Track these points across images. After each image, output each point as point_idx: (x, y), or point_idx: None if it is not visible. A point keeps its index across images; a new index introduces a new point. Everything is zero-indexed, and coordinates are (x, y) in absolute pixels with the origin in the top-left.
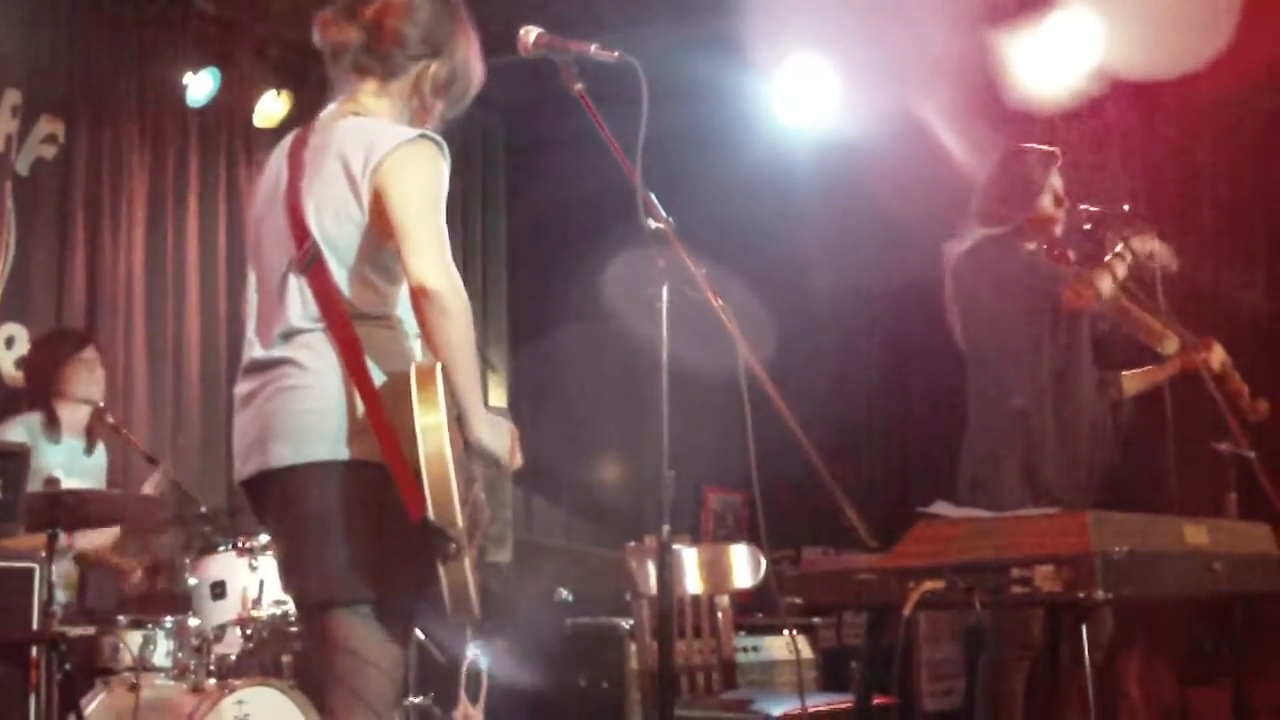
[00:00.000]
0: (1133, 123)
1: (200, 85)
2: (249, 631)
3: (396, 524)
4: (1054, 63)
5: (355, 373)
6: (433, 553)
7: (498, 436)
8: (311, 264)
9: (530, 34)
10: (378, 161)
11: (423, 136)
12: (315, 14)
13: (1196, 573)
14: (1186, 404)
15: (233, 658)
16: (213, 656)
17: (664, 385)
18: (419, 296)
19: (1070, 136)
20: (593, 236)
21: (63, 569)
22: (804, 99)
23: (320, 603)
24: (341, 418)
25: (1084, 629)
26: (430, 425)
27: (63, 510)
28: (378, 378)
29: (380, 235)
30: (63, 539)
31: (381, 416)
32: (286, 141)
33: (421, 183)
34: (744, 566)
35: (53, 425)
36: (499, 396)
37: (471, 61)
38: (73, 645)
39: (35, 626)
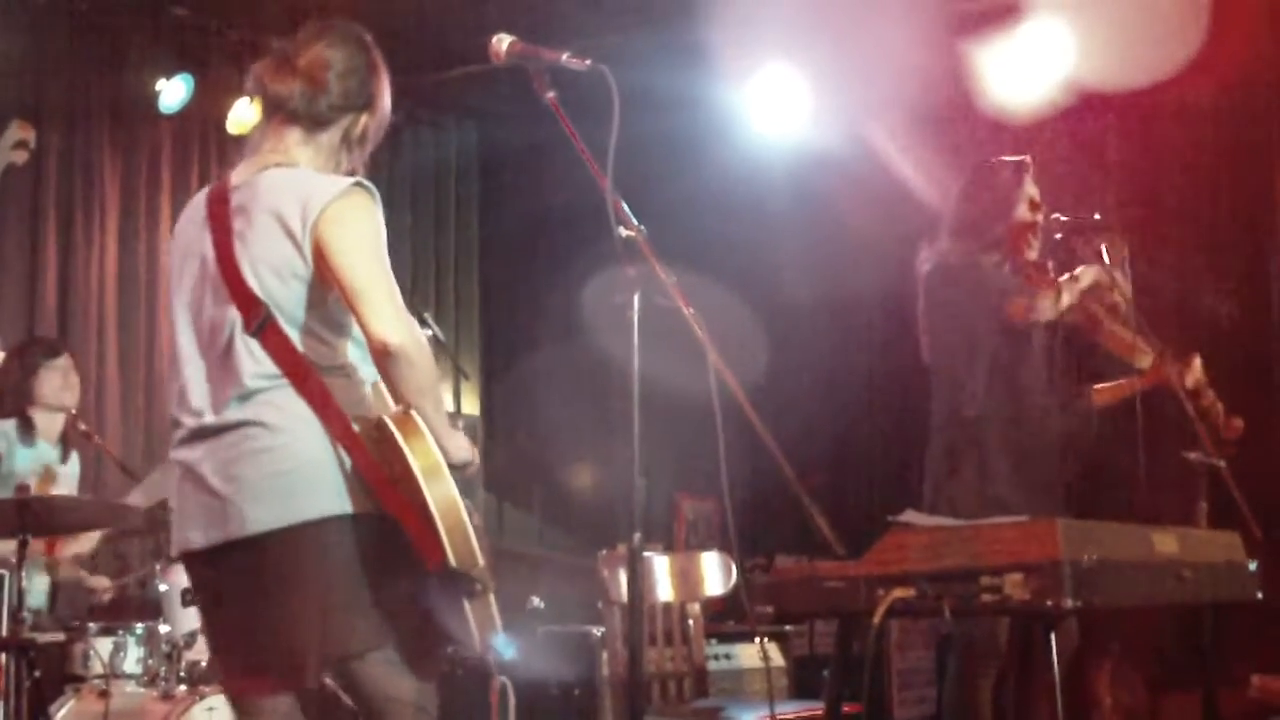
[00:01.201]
0: (1103, 132)
1: (173, 91)
2: None
3: (401, 568)
4: (1025, 73)
5: (335, 424)
6: (456, 594)
7: (465, 447)
8: (264, 326)
9: (503, 42)
10: (317, 215)
11: (357, 185)
12: (251, 66)
13: (1166, 581)
14: (1157, 413)
15: (203, 664)
16: (183, 663)
17: (635, 393)
18: (381, 354)
19: (1041, 146)
20: (565, 245)
21: (37, 583)
22: (776, 108)
23: (345, 656)
24: (326, 471)
25: (1053, 637)
26: (430, 471)
27: (32, 517)
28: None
29: (324, 288)
30: (41, 548)
31: (374, 466)
32: (199, 200)
33: (363, 236)
34: (715, 574)
35: (28, 431)
36: (472, 404)
37: (388, 106)
38: (42, 652)
39: (4, 633)
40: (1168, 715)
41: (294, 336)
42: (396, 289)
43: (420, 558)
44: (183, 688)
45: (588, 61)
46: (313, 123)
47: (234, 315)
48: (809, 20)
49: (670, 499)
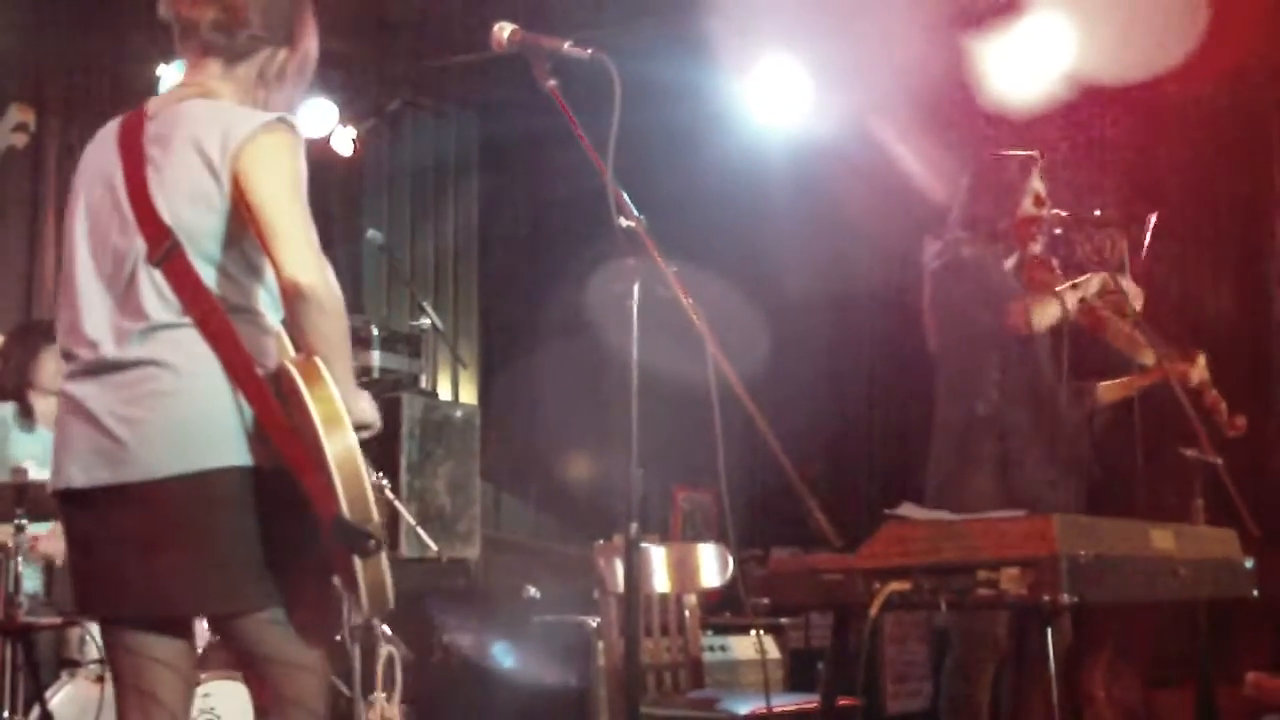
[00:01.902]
0: (1103, 127)
1: (173, 76)
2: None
3: (297, 525)
4: (1025, 66)
5: (241, 370)
6: (348, 550)
7: (368, 409)
8: (169, 256)
9: (504, 30)
10: (237, 147)
11: (280, 120)
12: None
13: (1162, 577)
14: (1154, 410)
15: (199, 650)
16: None
17: (634, 383)
18: (291, 294)
19: (1041, 140)
20: (565, 235)
21: (32, 570)
22: (777, 100)
23: (229, 614)
24: (230, 420)
25: (1049, 632)
26: (331, 419)
27: (29, 501)
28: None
29: (240, 224)
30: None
31: (274, 412)
32: (112, 127)
33: (284, 172)
34: (712, 566)
35: (27, 416)
36: (470, 394)
37: (314, 49)
38: (39, 637)
39: (1, 618)
40: (1163, 712)
41: (203, 271)
42: (314, 231)
43: (315, 511)
44: None
45: (589, 50)
46: (232, 55)
47: (140, 245)
48: (810, 11)
49: (667, 490)
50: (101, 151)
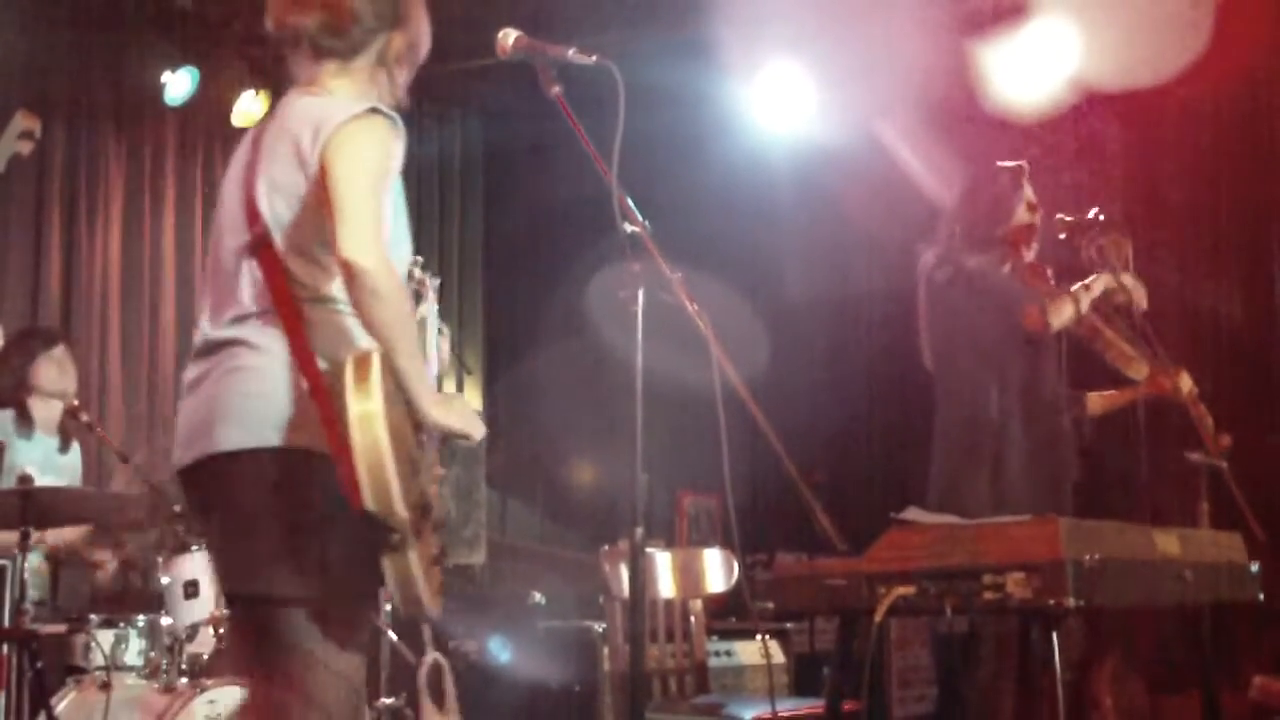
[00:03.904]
0: (1107, 131)
1: (178, 84)
2: (221, 631)
3: (343, 517)
4: (1029, 71)
5: (301, 358)
6: (377, 546)
7: (452, 412)
8: (261, 246)
9: (509, 36)
10: (327, 136)
11: (373, 110)
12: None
13: (1167, 581)
14: (1160, 414)
15: (205, 657)
16: (185, 656)
17: (639, 389)
18: (346, 275)
19: (1045, 144)
20: (569, 240)
21: (33, 564)
22: (780, 105)
23: (262, 598)
24: (290, 404)
25: (1054, 637)
26: (362, 414)
27: (35, 508)
28: (322, 364)
29: (322, 209)
30: (33, 540)
31: (327, 404)
32: (256, 126)
33: (365, 157)
34: (717, 570)
35: (25, 422)
36: (474, 399)
37: (425, 25)
38: (44, 643)
39: (7, 624)
40: (1168, 716)
41: (291, 260)
42: (382, 218)
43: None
44: (184, 680)
45: (594, 56)
46: (345, 52)
47: (244, 237)
48: (814, 17)
49: (672, 495)
50: (242, 150)
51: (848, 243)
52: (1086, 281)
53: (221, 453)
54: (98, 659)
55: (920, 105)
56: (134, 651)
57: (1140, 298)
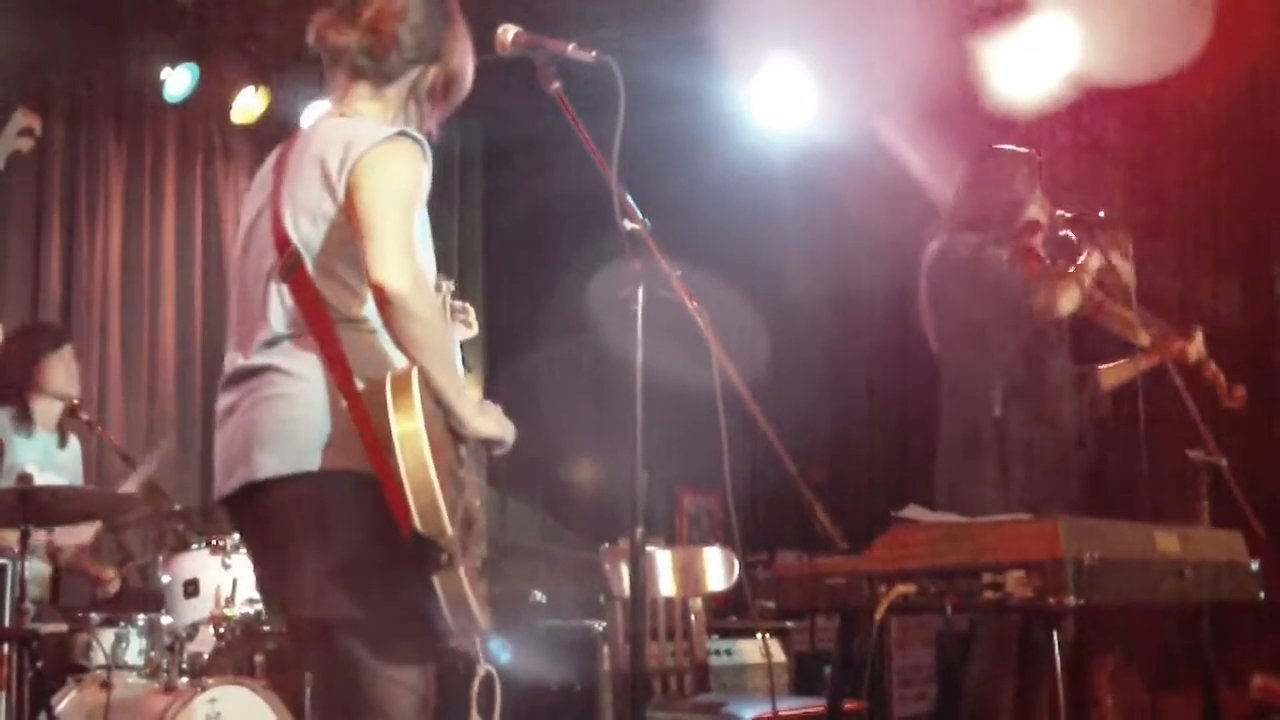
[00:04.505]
0: (1107, 128)
1: (178, 81)
2: (222, 630)
3: (391, 537)
4: (1029, 68)
5: (341, 381)
6: (427, 565)
7: (491, 421)
8: (292, 270)
9: (508, 32)
10: (356, 158)
11: (402, 134)
12: (313, 15)
13: (1167, 580)
14: (1159, 411)
15: (205, 656)
16: (185, 655)
17: (638, 387)
18: (378, 298)
19: (1045, 141)
20: (569, 239)
21: (35, 568)
22: (780, 102)
23: (323, 620)
24: (328, 426)
25: (1055, 635)
26: (407, 434)
27: (35, 506)
28: (359, 385)
29: (350, 231)
30: (43, 537)
31: (368, 426)
32: (277, 150)
33: (393, 181)
34: (717, 569)
35: (25, 420)
36: (474, 397)
37: (467, 66)
38: (45, 642)
39: (7, 623)
40: (1168, 715)
41: (320, 283)
42: (413, 241)
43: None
44: (184, 679)
45: (594, 53)
46: (381, 77)
47: (272, 259)
48: (814, 14)
49: (672, 493)
50: (264, 173)
51: (848, 241)
52: (1080, 261)
53: (262, 480)
54: (98, 658)
55: (920, 103)
56: (134, 651)
57: (1129, 276)
